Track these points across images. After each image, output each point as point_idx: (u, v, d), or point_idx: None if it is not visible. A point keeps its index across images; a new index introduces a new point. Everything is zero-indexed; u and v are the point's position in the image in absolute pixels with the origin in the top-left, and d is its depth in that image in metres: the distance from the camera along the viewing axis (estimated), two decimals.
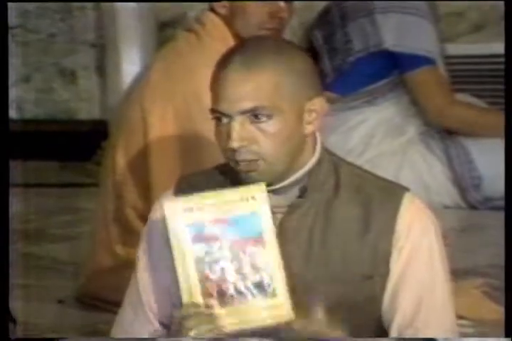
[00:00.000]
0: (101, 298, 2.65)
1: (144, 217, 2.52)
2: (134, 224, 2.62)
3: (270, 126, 1.67)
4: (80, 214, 3.48)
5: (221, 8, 2.68)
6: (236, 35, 2.66)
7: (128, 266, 2.42)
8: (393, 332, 1.72)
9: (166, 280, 1.74)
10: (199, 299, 1.63)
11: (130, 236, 2.62)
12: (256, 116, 1.66)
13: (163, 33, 4.00)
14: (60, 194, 3.84)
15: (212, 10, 2.70)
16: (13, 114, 4.33)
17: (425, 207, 1.75)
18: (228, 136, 1.66)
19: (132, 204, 2.65)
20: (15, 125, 4.26)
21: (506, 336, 1.84)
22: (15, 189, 3.85)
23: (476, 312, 2.59)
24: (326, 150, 1.76)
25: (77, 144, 4.07)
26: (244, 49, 1.71)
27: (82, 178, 3.83)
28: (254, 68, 1.66)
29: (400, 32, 3.05)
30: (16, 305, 1.68)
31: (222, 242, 1.64)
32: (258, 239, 1.65)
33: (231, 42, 2.64)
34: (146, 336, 1.79)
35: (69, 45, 4.31)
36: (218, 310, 1.63)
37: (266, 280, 1.64)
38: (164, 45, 2.95)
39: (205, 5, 2.72)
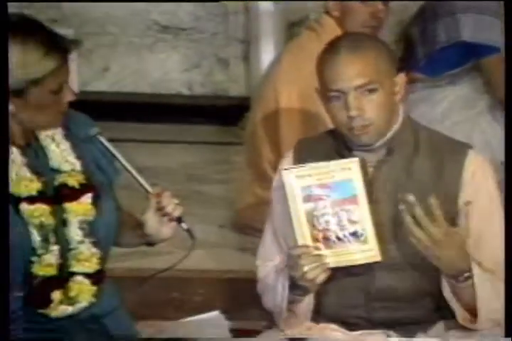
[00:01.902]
0: (247, 226, 2.73)
1: (275, 168, 2.59)
2: (268, 173, 2.69)
3: (376, 97, 1.66)
4: (231, 165, 3.52)
5: (334, 11, 2.69)
6: (345, 32, 2.67)
7: (264, 203, 2.51)
8: None
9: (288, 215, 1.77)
10: (309, 242, 1.66)
11: (266, 181, 2.69)
12: (366, 90, 1.65)
13: (291, 31, 3.98)
14: (217, 149, 3.93)
15: (327, 13, 2.71)
16: (185, 91, 4.39)
17: (485, 160, 1.76)
18: (346, 108, 1.65)
19: (268, 158, 2.73)
20: (187, 100, 4.35)
21: (506, 336, 1.63)
22: (192, 145, 3.92)
23: None
24: (407, 117, 1.76)
25: (228, 113, 4.14)
26: (346, 39, 1.73)
27: (232, 138, 3.90)
28: (359, 52, 1.66)
29: (475, 27, 2.99)
30: (191, 227, 1.71)
31: (325, 201, 1.65)
32: (353, 199, 1.65)
33: None
34: (277, 256, 1.83)
35: (225, 41, 4.36)
36: (324, 252, 1.66)
37: (359, 231, 1.65)
38: (292, 40, 2.97)
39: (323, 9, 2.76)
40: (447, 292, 1.68)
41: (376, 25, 2.68)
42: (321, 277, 1.64)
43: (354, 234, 1.65)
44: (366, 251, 1.66)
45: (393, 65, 1.71)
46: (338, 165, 1.65)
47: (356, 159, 1.65)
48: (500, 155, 3.21)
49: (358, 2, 2.66)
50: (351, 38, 1.74)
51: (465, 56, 3.09)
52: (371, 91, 1.65)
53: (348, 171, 1.64)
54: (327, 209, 1.65)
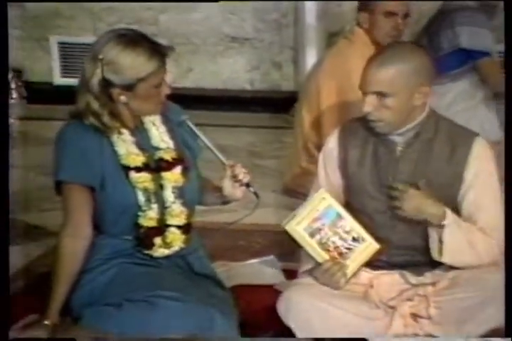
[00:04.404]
0: (294, 191, 2.72)
1: (318, 146, 2.63)
2: (312, 151, 2.68)
3: (388, 102, 1.64)
4: (282, 144, 3.55)
5: (364, 24, 2.65)
6: (373, 40, 2.65)
7: (307, 173, 2.52)
8: (464, 210, 1.70)
9: (335, 181, 1.78)
10: (329, 258, 1.69)
11: (310, 157, 2.70)
12: (381, 95, 1.64)
13: (331, 40, 3.93)
14: (272, 132, 3.90)
15: (359, 24, 2.66)
16: (248, 86, 4.39)
17: (489, 146, 1.73)
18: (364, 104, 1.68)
19: (312, 139, 2.70)
20: (249, 93, 4.30)
21: (506, 336, 1.46)
22: (252, 128, 3.88)
23: None
24: (432, 110, 1.73)
25: (281, 104, 4.14)
26: (384, 53, 1.68)
27: (283, 124, 3.90)
28: (382, 67, 1.63)
29: (470, 37, 2.92)
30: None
31: (324, 229, 1.68)
32: (340, 218, 1.68)
33: (370, 44, 2.65)
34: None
35: (279, 48, 4.35)
36: (345, 262, 1.69)
37: (356, 235, 1.69)
38: (331, 47, 2.94)
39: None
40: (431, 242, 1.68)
41: (396, 35, 2.65)
42: (342, 281, 1.66)
43: (354, 240, 1.68)
44: (367, 246, 1.68)
45: (422, 75, 1.65)
46: (314, 200, 1.66)
47: (322, 190, 1.67)
48: (491, 135, 3.20)
49: (382, 17, 2.63)
50: (388, 52, 1.68)
51: (463, 59, 3.03)
52: (384, 96, 1.63)
53: (323, 201, 1.66)
54: (328, 234, 1.67)
